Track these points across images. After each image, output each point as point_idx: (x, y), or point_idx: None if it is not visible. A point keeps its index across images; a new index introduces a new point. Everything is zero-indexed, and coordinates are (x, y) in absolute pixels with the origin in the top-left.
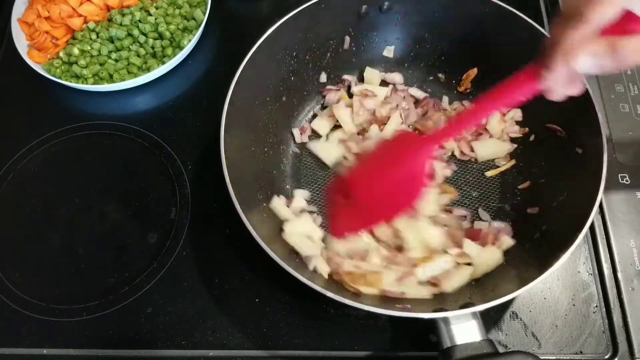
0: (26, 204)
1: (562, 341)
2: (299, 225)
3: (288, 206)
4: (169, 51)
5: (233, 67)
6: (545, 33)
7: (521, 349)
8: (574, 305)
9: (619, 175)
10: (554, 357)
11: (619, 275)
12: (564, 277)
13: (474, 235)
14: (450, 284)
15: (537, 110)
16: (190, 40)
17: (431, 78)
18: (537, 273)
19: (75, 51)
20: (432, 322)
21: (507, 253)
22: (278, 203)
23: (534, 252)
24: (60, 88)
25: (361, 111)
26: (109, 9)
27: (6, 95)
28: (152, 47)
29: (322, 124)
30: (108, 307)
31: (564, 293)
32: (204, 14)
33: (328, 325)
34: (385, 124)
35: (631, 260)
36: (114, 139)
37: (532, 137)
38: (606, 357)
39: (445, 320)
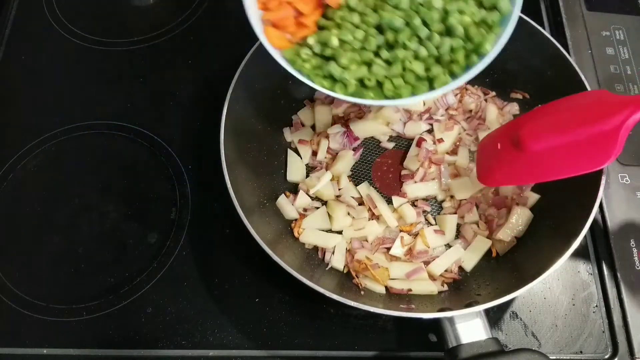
0: (26, 204)
1: (562, 341)
2: (314, 220)
3: (292, 204)
4: (459, 56)
5: (233, 67)
6: (544, 32)
7: None
8: (574, 305)
9: (619, 175)
10: (554, 357)
11: (619, 275)
12: (564, 277)
13: (499, 202)
14: (470, 262)
15: (536, 107)
16: (493, 43)
17: None
18: (537, 273)
19: (334, 41)
20: (435, 321)
21: (506, 254)
22: (284, 201)
23: (533, 251)
24: (59, 88)
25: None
26: None
27: (6, 95)
28: (437, 48)
29: (307, 114)
30: (108, 307)
31: (564, 293)
32: (513, 4)
33: (328, 325)
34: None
35: (631, 260)
36: (114, 139)
37: None
38: (606, 357)
39: (451, 319)
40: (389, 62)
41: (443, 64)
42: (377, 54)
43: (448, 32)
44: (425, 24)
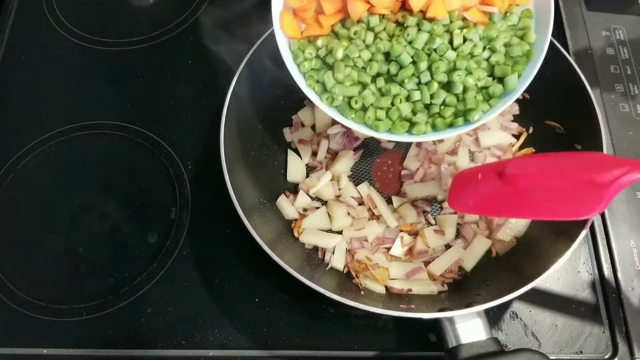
0: (26, 204)
1: (562, 341)
2: (314, 220)
3: (292, 204)
4: (447, 113)
5: (233, 67)
6: None
7: None
8: (574, 305)
9: None
10: (554, 357)
11: (619, 275)
12: (564, 277)
13: None
14: (470, 262)
15: (536, 107)
16: (482, 116)
17: None
18: (537, 273)
19: (339, 53)
20: (435, 321)
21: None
22: (284, 201)
23: (533, 251)
24: (59, 88)
25: None
26: (406, 5)
27: (6, 95)
28: (431, 96)
29: (307, 114)
30: (108, 307)
31: (564, 293)
32: (522, 82)
33: (328, 325)
34: None
35: (631, 260)
36: (114, 139)
37: (530, 130)
38: (606, 357)
39: (451, 319)
40: (381, 92)
41: (430, 113)
42: (373, 80)
43: (448, 86)
44: (430, 70)
